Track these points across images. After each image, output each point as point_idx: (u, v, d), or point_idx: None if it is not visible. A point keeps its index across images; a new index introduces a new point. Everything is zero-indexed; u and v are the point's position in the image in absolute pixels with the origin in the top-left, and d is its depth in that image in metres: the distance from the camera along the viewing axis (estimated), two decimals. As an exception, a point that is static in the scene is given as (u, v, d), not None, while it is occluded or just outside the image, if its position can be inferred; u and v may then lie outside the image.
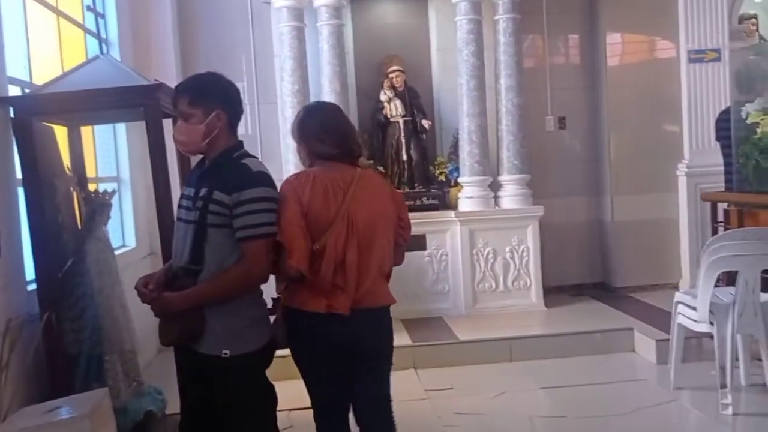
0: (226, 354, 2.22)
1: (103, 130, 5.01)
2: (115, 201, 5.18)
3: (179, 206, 2.39)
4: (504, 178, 5.85)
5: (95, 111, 3.26)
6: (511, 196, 5.82)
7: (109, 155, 5.19)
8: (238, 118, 2.36)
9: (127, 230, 5.32)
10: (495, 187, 5.88)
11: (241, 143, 2.37)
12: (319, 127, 2.54)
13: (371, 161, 5.97)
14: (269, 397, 2.41)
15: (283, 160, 5.66)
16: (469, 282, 5.73)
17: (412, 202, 5.80)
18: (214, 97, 2.27)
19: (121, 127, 5.22)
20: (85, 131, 4.55)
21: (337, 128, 2.56)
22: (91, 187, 3.83)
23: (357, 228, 2.44)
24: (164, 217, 3.18)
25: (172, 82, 5.69)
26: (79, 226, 3.51)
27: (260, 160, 2.36)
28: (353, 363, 2.54)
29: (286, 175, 5.54)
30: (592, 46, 6.54)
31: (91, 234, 3.42)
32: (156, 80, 3.26)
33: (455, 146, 6.00)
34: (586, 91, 6.60)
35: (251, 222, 2.20)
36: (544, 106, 6.42)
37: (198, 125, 2.26)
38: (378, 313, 2.57)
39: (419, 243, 5.73)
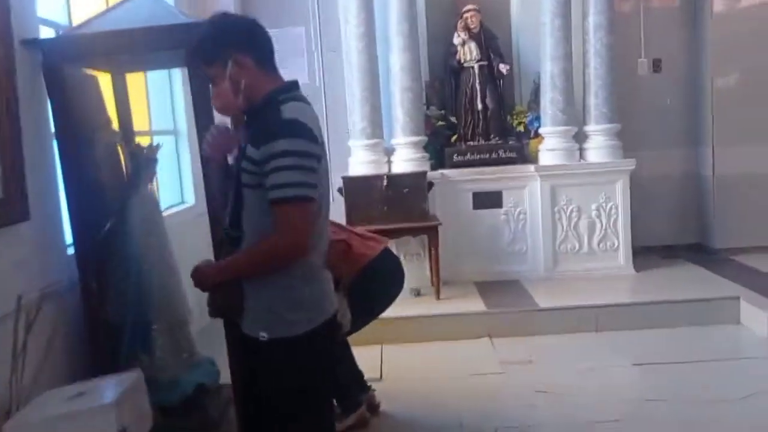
0: (263, 337, 1.89)
1: (157, 80, 4.72)
2: (171, 156, 4.96)
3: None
4: (591, 128, 5.28)
5: (130, 54, 2.90)
6: (598, 148, 5.25)
7: (164, 106, 4.91)
8: (266, 54, 1.94)
9: (185, 186, 5.07)
10: (580, 138, 5.32)
11: (289, 84, 1.96)
12: None
13: (443, 111, 5.50)
14: (320, 393, 2.04)
15: (348, 111, 5.26)
16: (550, 242, 5.24)
17: (487, 155, 5.33)
18: (222, 43, 1.88)
19: (177, 75, 4.91)
20: (137, 81, 4.27)
21: None
22: (142, 141, 3.54)
23: None
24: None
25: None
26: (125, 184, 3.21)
27: (307, 104, 1.94)
28: None
29: (352, 126, 5.23)
30: (694, -21, 5.80)
31: (135, 192, 3.12)
32: (202, 18, 2.87)
33: (536, 93, 5.44)
34: (686, 30, 5.88)
35: (279, 181, 1.79)
36: (637, 47, 5.76)
37: (223, 83, 1.90)
38: None
39: (494, 200, 5.28)
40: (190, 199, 5.04)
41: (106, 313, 2.92)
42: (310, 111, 1.93)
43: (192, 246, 4.47)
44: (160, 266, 3.13)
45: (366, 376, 3.48)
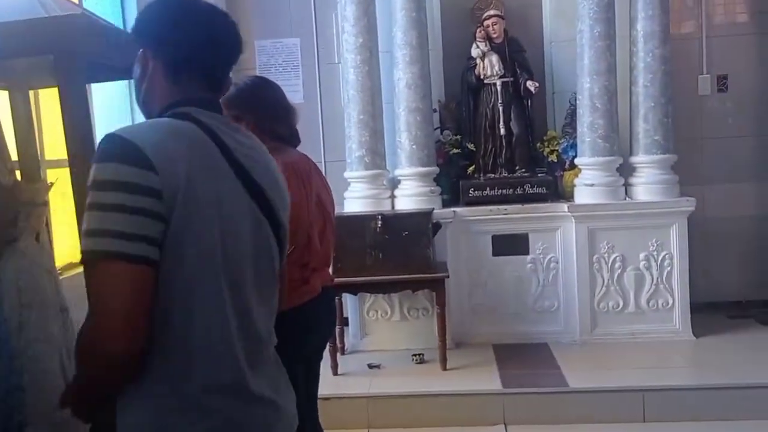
0: None
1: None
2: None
3: None
4: (639, 159, 4.31)
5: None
6: (648, 183, 4.28)
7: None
8: None
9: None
10: (626, 171, 4.36)
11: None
12: (277, 103, 2.29)
13: (458, 136, 4.61)
14: None
15: (345, 135, 4.42)
16: (587, 299, 4.27)
17: (510, 191, 4.41)
18: None
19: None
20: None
21: (290, 108, 2.34)
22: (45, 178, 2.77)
23: (326, 211, 2.39)
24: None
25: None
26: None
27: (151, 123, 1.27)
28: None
29: (348, 154, 4.39)
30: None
31: (10, 246, 2.34)
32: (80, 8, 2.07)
33: (572, 116, 4.51)
34: (758, 38, 4.85)
35: (83, 233, 1.15)
36: (697, 61, 4.79)
37: None
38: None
39: (520, 245, 4.35)
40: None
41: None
42: (185, 128, 1.22)
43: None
44: (41, 347, 2.34)
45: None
